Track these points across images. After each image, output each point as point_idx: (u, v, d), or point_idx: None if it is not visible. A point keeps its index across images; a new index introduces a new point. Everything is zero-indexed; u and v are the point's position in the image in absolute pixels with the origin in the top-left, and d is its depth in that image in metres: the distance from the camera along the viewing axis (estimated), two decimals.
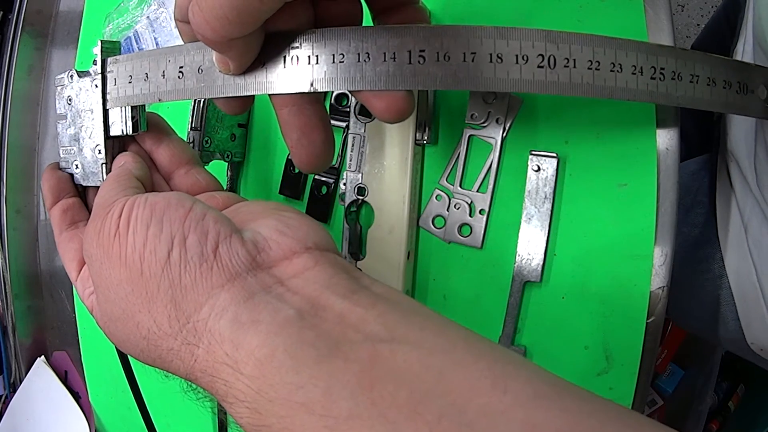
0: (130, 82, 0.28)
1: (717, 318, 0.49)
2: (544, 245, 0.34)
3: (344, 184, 0.37)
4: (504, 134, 0.36)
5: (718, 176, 0.48)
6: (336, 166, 0.40)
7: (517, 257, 0.35)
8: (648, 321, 0.33)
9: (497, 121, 0.36)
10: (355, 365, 0.17)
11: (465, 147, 0.37)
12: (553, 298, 0.35)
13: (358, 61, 0.23)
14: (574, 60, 0.23)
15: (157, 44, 0.50)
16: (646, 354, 0.33)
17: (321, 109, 0.26)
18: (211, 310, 0.20)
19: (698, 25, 1.32)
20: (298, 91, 0.24)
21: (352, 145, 0.37)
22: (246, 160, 0.45)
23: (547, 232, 0.34)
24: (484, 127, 0.36)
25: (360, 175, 0.37)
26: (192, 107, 0.40)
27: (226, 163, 0.44)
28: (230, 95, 0.25)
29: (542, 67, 0.23)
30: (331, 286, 0.21)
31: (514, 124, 0.36)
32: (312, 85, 0.24)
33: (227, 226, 0.22)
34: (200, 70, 0.26)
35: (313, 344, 0.18)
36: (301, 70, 0.24)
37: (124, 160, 0.29)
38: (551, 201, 0.34)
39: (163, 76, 0.27)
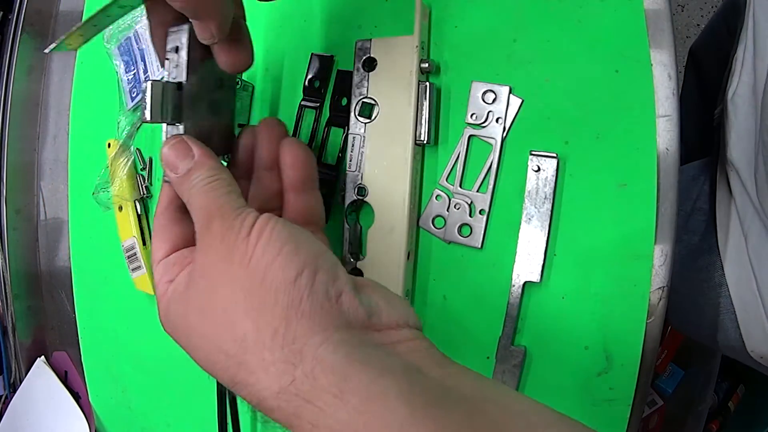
0: None
1: (717, 326, 0.49)
2: (544, 245, 0.34)
3: (344, 184, 0.37)
4: (504, 134, 0.36)
5: (718, 184, 0.48)
6: (336, 166, 0.40)
7: (517, 257, 0.35)
8: (648, 321, 0.33)
9: (497, 121, 0.36)
10: (457, 414, 0.20)
11: (465, 147, 0.37)
12: (553, 298, 0.35)
13: None
14: None
15: None
16: (646, 354, 0.33)
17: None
18: (324, 341, 0.21)
19: (698, 25, 1.32)
20: None
21: (352, 145, 0.37)
22: None
23: (547, 232, 0.34)
24: (484, 127, 0.36)
25: (360, 175, 0.37)
26: None
27: (225, 163, 0.44)
28: None
29: None
30: (429, 356, 0.24)
31: (514, 124, 0.36)
32: None
33: (351, 282, 0.25)
34: None
35: (421, 394, 0.20)
36: None
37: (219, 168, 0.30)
38: (551, 201, 0.34)
39: None
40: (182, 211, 0.30)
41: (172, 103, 0.31)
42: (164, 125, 0.32)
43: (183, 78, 0.31)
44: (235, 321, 0.23)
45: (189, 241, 0.29)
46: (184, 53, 0.31)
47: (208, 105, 0.34)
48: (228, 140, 0.37)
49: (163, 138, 0.31)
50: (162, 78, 0.31)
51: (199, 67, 0.33)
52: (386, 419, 0.19)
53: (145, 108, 0.30)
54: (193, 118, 0.32)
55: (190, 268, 0.27)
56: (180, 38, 0.31)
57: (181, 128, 0.32)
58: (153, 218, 0.31)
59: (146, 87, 0.30)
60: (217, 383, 0.47)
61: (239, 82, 0.38)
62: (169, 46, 0.31)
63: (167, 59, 0.32)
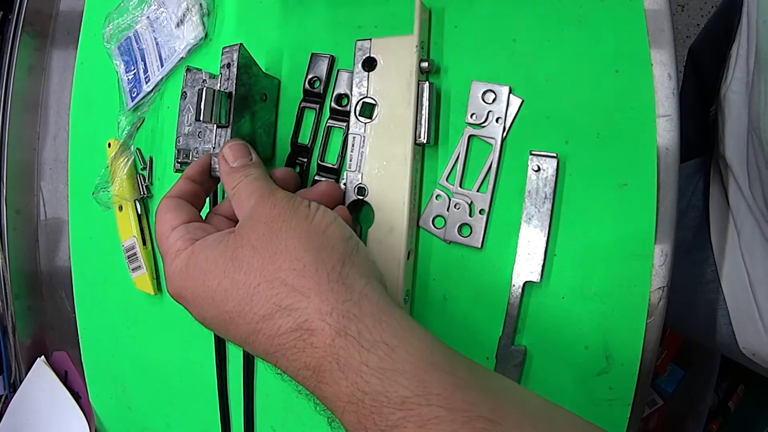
0: None
1: (710, 322, 0.49)
2: (544, 245, 0.34)
3: (344, 184, 0.37)
4: (504, 134, 0.36)
5: (711, 181, 0.48)
6: (336, 166, 0.40)
7: (517, 257, 0.35)
8: (648, 321, 0.33)
9: (497, 121, 0.36)
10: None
11: (465, 147, 0.37)
12: (553, 298, 0.35)
13: None
14: None
15: (157, 44, 0.50)
16: (646, 354, 0.33)
17: None
18: (367, 283, 0.27)
19: (698, 25, 1.32)
20: None
21: (352, 145, 0.37)
22: None
23: (547, 232, 0.34)
24: (484, 127, 0.36)
25: (360, 175, 0.37)
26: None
27: None
28: None
29: None
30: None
31: (514, 124, 0.36)
32: None
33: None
34: None
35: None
36: None
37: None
38: (551, 201, 0.34)
39: None
40: (189, 196, 0.35)
41: (223, 108, 0.36)
42: (214, 127, 0.38)
43: (233, 89, 0.37)
44: (297, 253, 0.27)
45: (199, 218, 0.34)
46: (234, 68, 0.37)
47: (251, 114, 0.40)
48: (267, 147, 0.43)
49: (213, 138, 0.38)
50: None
51: (246, 82, 0.39)
52: (413, 343, 0.25)
53: (199, 110, 0.35)
54: (239, 123, 0.38)
55: (228, 230, 0.30)
56: (232, 56, 0.38)
57: (228, 131, 0.37)
58: (157, 205, 0.35)
59: (201, 92, 0.35)
60: (219, 384, 0.47)
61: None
62: (222, 63, 0.38)
63: (221, 73, 0.38)
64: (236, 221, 0.33)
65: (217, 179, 0.37)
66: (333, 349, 0.24)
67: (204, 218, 0.35)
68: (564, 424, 0.24)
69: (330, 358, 0.24)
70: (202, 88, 0.36)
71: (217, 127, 0.38)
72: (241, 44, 0.38)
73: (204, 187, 0.37)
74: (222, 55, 0.38)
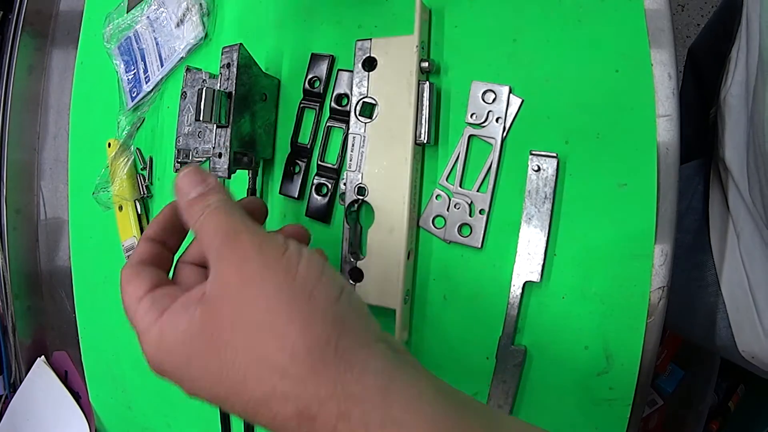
0: None
1: (709, 325, 0.49)
2: (544, 245, 0.34)
3: (344, 184, 0.37)
4: (504, 134, 0.36)
5: (711, 183, 0.48)
6: (336, 166, 0.40)
7: (517, 257, 0.35)
8: (648, 321, 0.33)
9: (497, 120, 0.36)
10: (475, 406, 0.24)
11: (465, 147, 0.37)
12: (553, 298, 0.35)
13: None
14: None
15: (157, 44, 0.50)
16: (646, 354, 0.33)
17: None
18: (368, 352, 0.24)
19: (698, 25, 1.32)
20: None
21: (352, 145, 0.37)
22: None
23: (547, 232, 0.34)
24: (484, 127, 0.36)
25: (360, 175, 0.37)
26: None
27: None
28: None
29: None
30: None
31: (514, 124, 0.36)
32: None
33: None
34: None
35: (448, 395, 0.24)
36: None
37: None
38: (551, 201, 0.34)
39: None
40: (152, 260, 0.31)
41: (223, 108, 0.37)
42: (214, 127, 0.38)
43: (233, 89, 0.37)
44: (283, 329, 0.23)
45: (165, 282, 0.30)
46: (234, 68, 0.37)
47: (251, 114, 0.40)
48: (267, 147, 0.43)
49: (213, 138, 0.38)
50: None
51: (246, 82, 0.39)
52: (427, 414, 0.22)
53: (199, 110, 0.35)
54: (239, 123, 0.38)
55: (197, 289, 0.27)
56: (232, 56, 0.38)
57: (228, 131, 0.38)
58: (120, 270, 0.30)
59: (201, 92, 0.35)
60: None
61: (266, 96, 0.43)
62: (222, 63, 0.38)
63: (220, 73, 0.38)
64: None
65: (183, 233, 0.33)
66: None
67: (173, 269, 0.32)
68: None
69: None
70: (202, 88, 0.36)
71: (217, 127, 0.38)
72: (241, 44, 0.38)
73: (169, 246, 0.32)
74: (222, 55, 0.38)
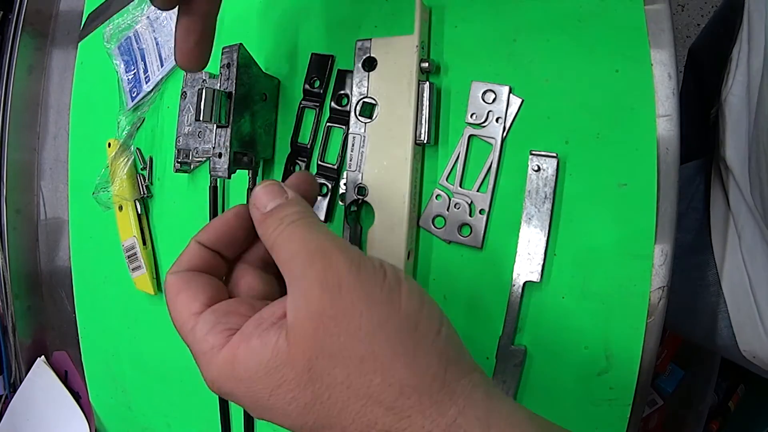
0: None
1: (710, 325, 0.49)
2: (544, 245, 0.34)
3: (344, 184, 0.37)
4: (504, 134, 0.36)
5: (712, 183, 0.48)
6: (336, 166, 0.40)
7: (517, 257, 0.35)
8: (648, 321, 0.33)
9: (497, 120, 0.36)
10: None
11: (465, 147, 0.37)
12: (553, 298, 0.35)
13: None
14: None
15: (157, 44, 0.50)
16: (646, 354, 0.33)
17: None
18: (469, 382, 0.23)
19: (698, 24, 1.32)
20: None
21: (352, 145, 0.37)
22: None
23: (547, 232, 0.34)
24: (484, 127, 0.36)
25: (360, 175, 0.37)
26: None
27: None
28: None
29: None
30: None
31: (514, 124, 0.36)
32: None
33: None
34: None
35: (542, 424, 0.23)
36: None
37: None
38: (551, 201, 0.34)
39: None
40: (205, 268, 0.28)
41: (223, 108, 0.36)
42: (214, 126, 0.38)
43: (232, 89, 0.37)
44: (389, 363, 0.22)
45: (223, 295, 0.27)
46: (234, 68, 0.38)
47: (251, 114, 0.40)
48: (267, 147, 0.43)
49: (213, 138, 0.38)
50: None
51: (246, 82, 0.39)
52: None
53: (199, 110, 0.35)
54: (239, 123, 0.38)
55: (270, 310, 0.25)
56: (232, 56, 0.38)
57: (228, 131, 0.38)
58: (166, 274, 0.28)
59: (201, 92, 0.35)
60: None
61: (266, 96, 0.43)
62: (222, 63, 0.38)
63: (221, 73, 0.37)
64: (273, 274, 0.29)
65: (243, 247, 0.29)
66: None
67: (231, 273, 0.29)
68: None
69: None
70: (202, 88, 0.36)
71: (217, 127, 0.38)
72: (240, 44, 0.38)
73: (225, 256, 0.29)
74: (222, 55, 0.38)
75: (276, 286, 0.30)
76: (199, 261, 0.28)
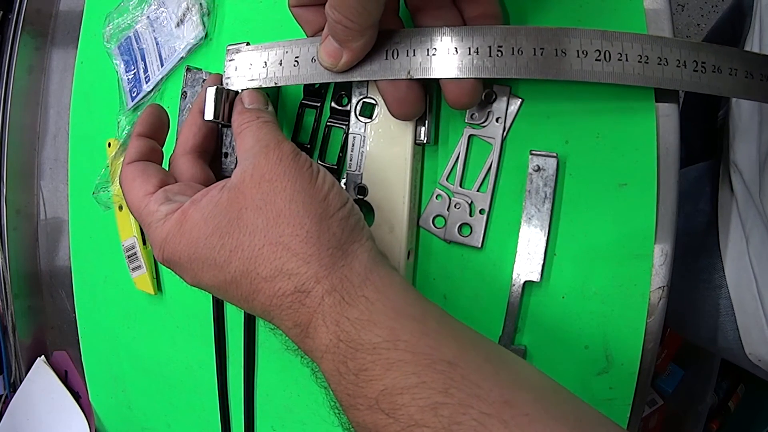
0: (249, 69, 0.35)
1: (716, 328, 0.49)
2: (544, 245, 0.34)
3: (344, 184, 0.37)
4: (504, 134, 0.36)
5: (720, 185, 0.48)
6: (336, 166, 0.40)
7: (517, 257, 0.35)
8: (648, 320, 0.33)
9: (497, 120, 0.36)
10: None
11: (465, 147, 0.37)
12: (553, 298, 0.35)
13: (448, 53, 0.30)
14: (626, 54, 0.29)
15: (157, 44, 0.50)
16: (646, 354, 0.33)
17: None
18: (359, 246, 0.29)
19: (698, 24, 1.32)
20: (396, 78, 0.31)
21: (352, 145, 0.37)
22: None
23: (547, 232, 0.34)
24: (484, 126, 0.36)
25: (360, 174, 0.37)
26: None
27: None
28: (336, 80, 0.32)
29: (599, 60, 0.29)
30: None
31: (514, 124, 0.36)
32: (409, 73, 0.31)
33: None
34: (313, 60, 0.33)
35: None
36: (401, 61, 0.31)
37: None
38: (551, 201, 0.34)
39: (281, 64, 0.34)
40: (150, 156, 0.35)
41: (230, 108, 0.36)
42: (218, 126, 0.37)
43: (239, 87, 0.36)
44: (301, 219, 0.28)
45: (172, 180, 0.34)
46: None
47: None
48: None
49: (227, 142, 0.39)
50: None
51: None
52: (392, 299, 0.27)
53: (206, 109, 0.35)
54: None
55: (224, 183, 0.30)
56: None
57: (230, 131, 0.37)
58: (121, 168, 0.34)
59: (208, 91, 0.35)
60: (219, 384, 0.47)
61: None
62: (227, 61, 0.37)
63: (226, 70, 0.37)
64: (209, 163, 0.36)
65: (167, 129, 0.38)
66: (321, 307, 0.27)
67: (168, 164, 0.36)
68: (521, 368, 0.27)
69: (317, 315, 0.27)
70: (207, 87, 0.36)
71: (221, 126, 0.38)
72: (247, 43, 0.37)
73: (160, 141, 0.37)
74: (226, 54, 0.38)
75: (212, 175, 0.37)
76: (146, 149, 0.35)
